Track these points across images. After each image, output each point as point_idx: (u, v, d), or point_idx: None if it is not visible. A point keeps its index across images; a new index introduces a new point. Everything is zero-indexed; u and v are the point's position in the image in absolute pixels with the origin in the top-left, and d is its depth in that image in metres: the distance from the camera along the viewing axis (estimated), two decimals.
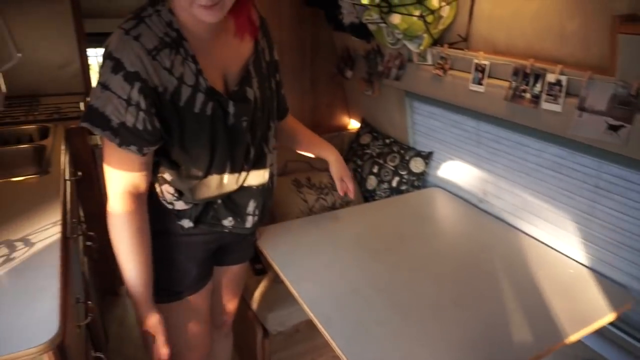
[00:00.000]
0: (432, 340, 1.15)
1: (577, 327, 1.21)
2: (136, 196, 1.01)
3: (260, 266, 1.87)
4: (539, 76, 1.43)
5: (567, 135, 1.36)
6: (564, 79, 1.36)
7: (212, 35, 1.01)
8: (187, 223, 1.13)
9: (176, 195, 1.09)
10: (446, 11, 1.68)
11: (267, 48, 1.18)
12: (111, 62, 0.90)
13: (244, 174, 1.13)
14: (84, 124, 0.94)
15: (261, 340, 1.70)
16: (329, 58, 2.53)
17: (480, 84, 1.61)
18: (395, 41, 1.80)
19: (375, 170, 2.27)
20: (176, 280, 1.19)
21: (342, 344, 1.11)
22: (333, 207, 2.11)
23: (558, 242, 1.59)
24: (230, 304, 1.49)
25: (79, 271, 1.51)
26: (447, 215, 1.95)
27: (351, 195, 1.48)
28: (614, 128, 1.24)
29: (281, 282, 1.38)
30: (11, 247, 1.12)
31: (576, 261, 1.52)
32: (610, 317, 1.27)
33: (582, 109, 1.32)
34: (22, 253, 1.10)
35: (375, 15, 1.74)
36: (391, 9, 1.67)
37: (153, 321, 1.08)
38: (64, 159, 1.78)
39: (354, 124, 2.73)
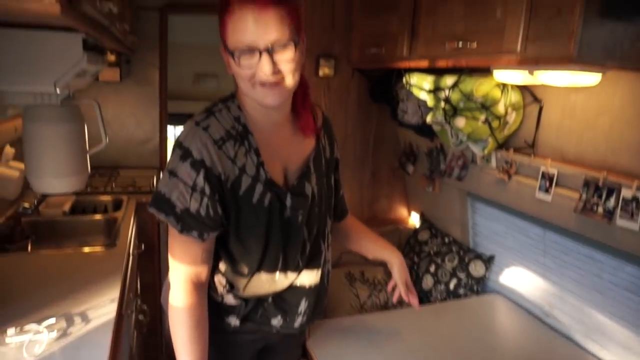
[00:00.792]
0: None
1: None
2: (198, 286, 1.02)
3: None
4: (612, 190, 1.36)
5: None
6: None
7: (276, 130, 1.06)
8: (233, 321, 1.11)
9: (227, 287, 1.09)
10: (512, 117, 1.68)
11: (329, 145, 1.20)
12: (180, 151, 0.96)
13: (297, 270, 1.11)
14: (151, 210, 0.99)
15: None
16: (391, 151, 2.58)
17: (547, 192, 1.55)
18: (459, 142, 1.81)
19: (432, 269, 2.19)
20: None
21: None
22: (385, 306, 2.03)
23: None
24: None
25: (127, 347, 1.52)
26: (508, 326, 1.80)
27: (417, 307, 1.37)
28: None
29: None
30: (69, 320, 1.16)
31: None
32: None
33: None
34: (78, 329, 1.13)
35: (439, 117, 1.77)
36: (456, 112, 1.70)
37: None
38: (131, 232, 1.88)
39: (413, 218, 2.69)
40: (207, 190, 0.96)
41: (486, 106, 1.64)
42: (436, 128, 1.90)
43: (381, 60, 1.95)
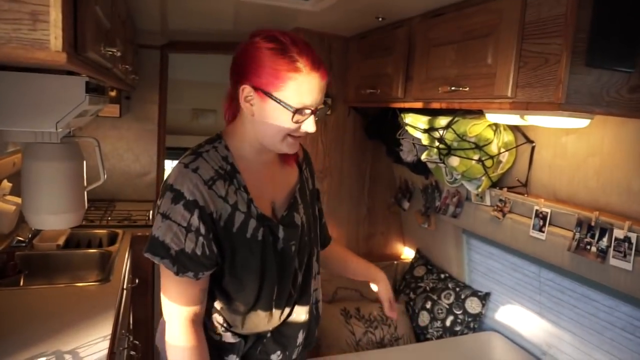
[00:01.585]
0: None
1: None
2: (196, 325, 1.02)
3: None
4: (605, 230, 1.38)
5: None
6: (633, 236, 1.30)
7: (263, 167, 1.11)
8: (233, 359, 1.11)
9: (225, 325, 1.08)
10: (505, 157, 1.72)
11: (310, 177, 1.26)
12: (171, 194, 0.98)
13: (291, 301, 1.13)
14: (146, 254, 1.00)
15: None
16: (387, 188, 2.60)
17: (541, 231, 1.57)
18: (453, 180, 1.84)
19: (428, 305, 2.18)
20: None
21: None
22: (381, 343, 2.00)
23: None
24: None
25: None
26: None
27: (395, 318, 1.43)
28: None
29: None
30: (60, 359, 1.14)
31: None
32: None
33: None
34: None
35: (434, 156, 1.80)
36: (450, 151, 1.73)
37: None
38: (125, 267, 1.87)
39: (408, 254, 2.69)
40: (202, 229, 0.98)
41: (479, 146, 1.67)
42: (431, 166, 1.93)
43: (376, 100, 2.00)
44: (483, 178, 1.73)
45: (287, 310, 1.12)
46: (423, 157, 1.87)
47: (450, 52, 1.48)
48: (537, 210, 1.59)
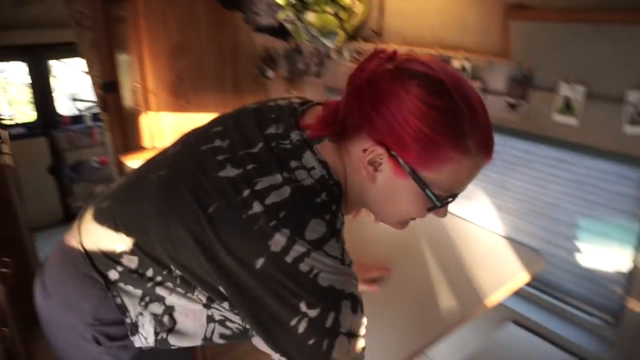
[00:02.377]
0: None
1: (497, 291, 1.31)
2: None
3: None
4: (445, 61, 1.54)
5: None
6: (468, 65, 1.48)
7: None
8: None
9: None
10: (358, 7, 1.76)
11: None
12: (348, 302, 0.69)
13: None
14: None
15: None
16: (251, 60, 2.54)
17: None
18: (311, 38, 1.86)
19: None
20: None
21: None
22: None
23: (476, 217, 1.71)
24: None
25: None
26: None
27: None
28: (512, 106, 1.36)
29: None
30: None
31: (493, 232, 1.65)
32: (525, 278, 1.39)
33: (485, 90, 1.44)
34: None
35: (290, 14, 1.78)
36: (305, 7, 1.72)
37: None
38: None
39: None
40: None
41: None
42: (290, 27, 1.91)
43: None
44: (339, 31, 1.77)
45: None
46: (280, 16, 1.84)
47: None
48: None
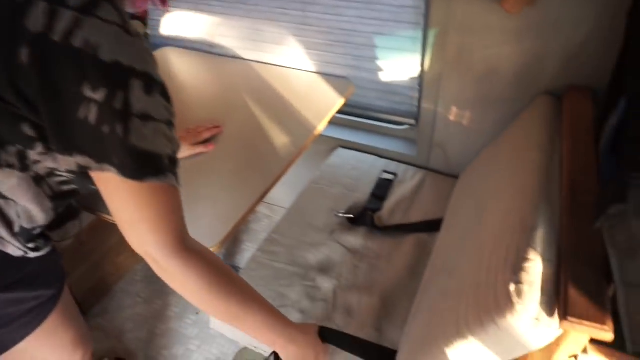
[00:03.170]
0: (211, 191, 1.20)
1: (321, 119, 1.41)
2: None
3: None
4: None
5: None
6: None
7: None
8: None
9: None
10: None
11: None
12: (139, 81, 0.62)
13: None
14: (146, 181, 0.65)
15: None
16: None
17: None
18: None
19: None
20: None
21: None
22: None
23: (286, 60, 1.74)
24: None
25: None
26: (186, 71, 1.90)
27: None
28: None
29: None
30: None
31: (306, 71, 1.72)
32: (340, 103, 1.51)
33: None
34: None
35: None
36: None
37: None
38: None
39: None
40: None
41: None
42: None
43: None
44: None
45: None
46: None
47: None
48: None
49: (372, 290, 1.27)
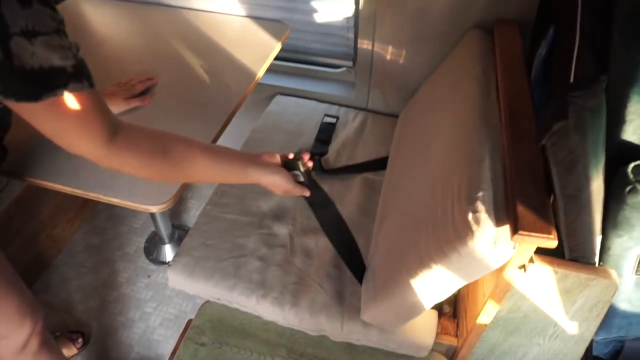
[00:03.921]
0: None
1: (259, 65, 1.37)
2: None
3: None
4: None
5: None
6: None
7: None
8: None
9: None
10: None
11: None
12: None
13: None
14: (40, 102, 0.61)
15: None
16: None
17: None
18: None
19: None
20: None
21: None
22: None
23: (216, 5, 1.65)
24: None
25: None
26: (103, 22, 1.74)
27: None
28: None
29: None
30: None
31: (237, 15, 1.64)
32: (277, 48, 1.47)
33: None
34: None
35: None
36: None
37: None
38: None
39: None
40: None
41: None
42: None
43: None
44: None
45: None
46: None
47: None
48: None
49: None
